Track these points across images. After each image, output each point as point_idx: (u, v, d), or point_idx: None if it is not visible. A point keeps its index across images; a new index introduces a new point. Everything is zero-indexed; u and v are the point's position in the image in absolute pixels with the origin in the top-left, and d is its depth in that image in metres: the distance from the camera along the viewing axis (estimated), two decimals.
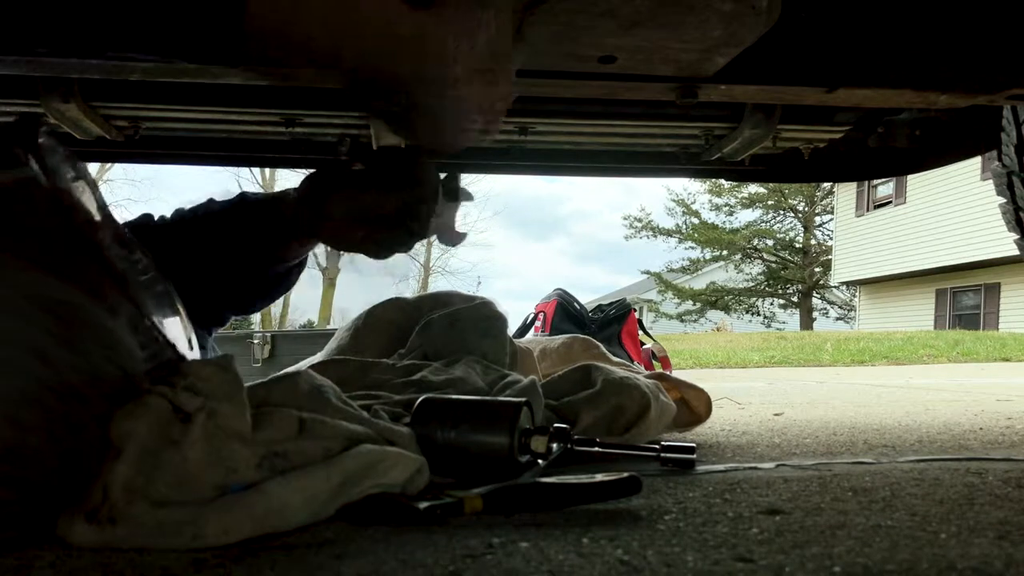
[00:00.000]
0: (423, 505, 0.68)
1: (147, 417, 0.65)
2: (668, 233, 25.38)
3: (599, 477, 0.75)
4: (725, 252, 24.93)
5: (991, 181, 1.77)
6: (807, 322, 23.78)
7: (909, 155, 1.71)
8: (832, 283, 22.59)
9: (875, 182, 17.33)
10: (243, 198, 1.25)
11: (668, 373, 1.56)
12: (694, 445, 1.00)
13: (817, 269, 24.22)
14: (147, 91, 1.41)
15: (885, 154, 1.70)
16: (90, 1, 0.87)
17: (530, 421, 0.91)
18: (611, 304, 3.24)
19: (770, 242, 25.13)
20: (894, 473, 0.97)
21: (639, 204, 54.49)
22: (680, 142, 1.67)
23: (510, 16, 0.82)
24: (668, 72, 1.06)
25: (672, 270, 26.66)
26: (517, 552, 0.60)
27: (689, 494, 0.83)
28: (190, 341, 0.89)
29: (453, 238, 1.25)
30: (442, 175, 1.20)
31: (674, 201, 25.14)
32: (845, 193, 19.50)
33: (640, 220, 25.65)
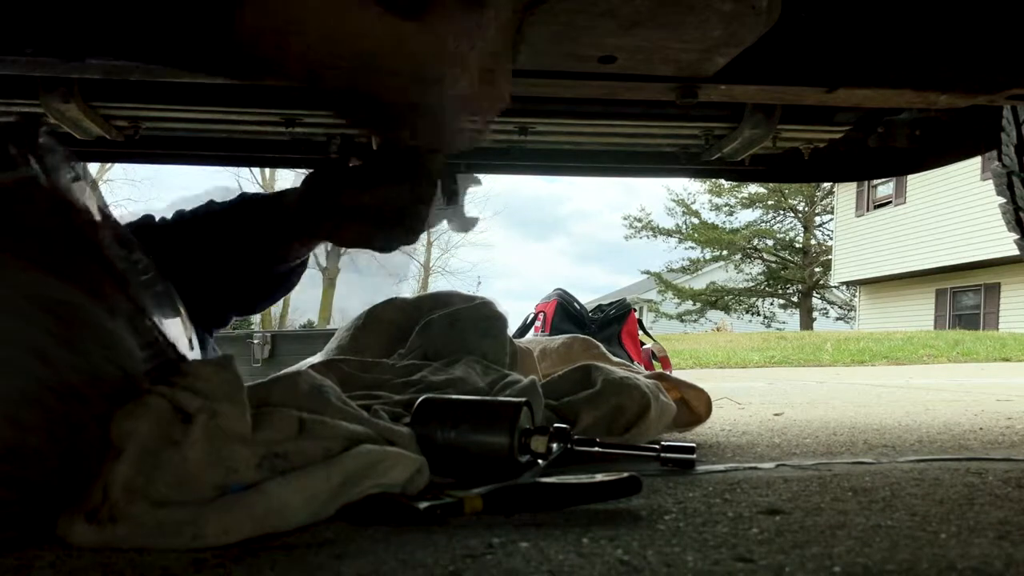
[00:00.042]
0: (423, 505, 0.68)
1: (147, 417, 0.65)
2: (668, 233, 25.40)
3: (599, 477, 0.75)
4: (725, 252, 24.95)
5: (991, 181, 1.77)
6: (807, 322, 23.79)
7: (909, 155, 1.71)
8: (832, 283, 22.61)
9: (875, 182, 17.33)
10: (244, 198, 1.25)
11: (668, 373, 1.56)
12: (694, 445, 1.00)
13: (817, 269, 24.24)
14: (147, 91, 1.41)
15: (885, 154, 1.70)
16: (82, 5, 0.87)
17: (530, 421, 0.91)
18: (611, 304, 3.24)
19: (770, 242, 25.15)
20: (894, 473, 0.97)
21: (639, 204, 54.60)
22: (680, 142, 1.67)
23: (509, 17, 0.82)
24: (668, 72, 1.06)
25: (672, 270, 26.68)
26: (517, 552, 0.60)
27: (689, 494, 0.83)
28: (190, 341, 0.89)
29: (465, 224, 1.25)
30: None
31: (674, 201, 25.18)
32: (845, 193, 19.50)
33: (640, 220, 25.69)
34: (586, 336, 1.55)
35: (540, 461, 0.87)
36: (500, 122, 1.53)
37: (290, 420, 0.73)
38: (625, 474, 0.75)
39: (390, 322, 1.38)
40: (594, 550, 0.60)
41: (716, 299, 24.94)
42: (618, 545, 0.62)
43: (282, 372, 0.95)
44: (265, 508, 0.63)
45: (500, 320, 1.32)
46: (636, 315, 3.20)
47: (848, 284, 21.11)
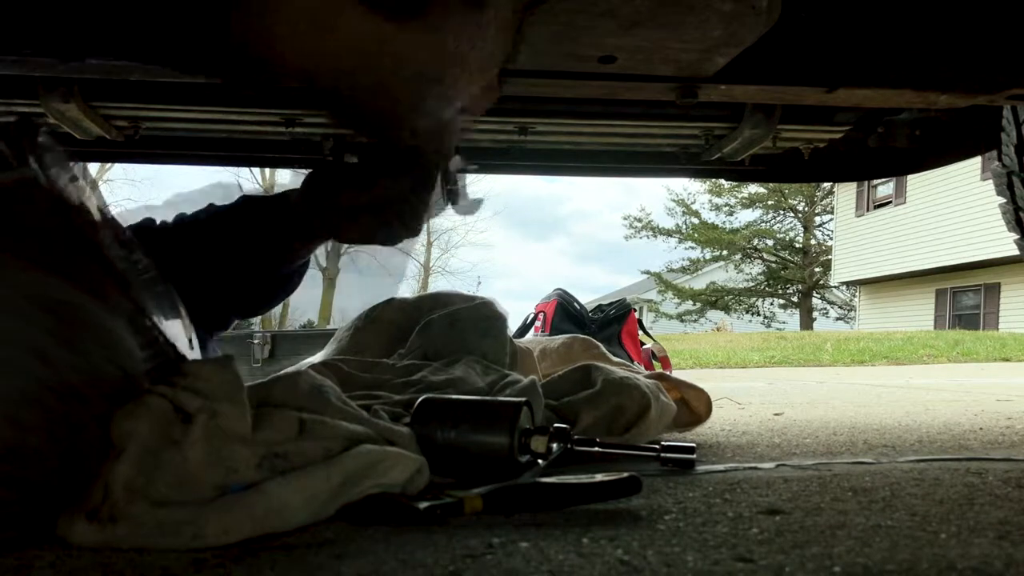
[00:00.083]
0: (423, 505, 0.68)
1: (148, 417, 0.65)
2: (668, 233, 25.39)
3: (599, 477, 0.75)
4: (725, 252, 24.94)
5: (991, 181, 1.77)
6: (807, 322, 23.78)
7: (909, 155, 1.71)
8: (832, 283, 22.60)
9: (875, 182, 17.33)
10: (244, 200, 1.25)
11: (668, 373, 1.56)
12: (694, 445, 1.00)
13: (817, 269, 24.23)
14: (147, 91, 1.41)
15: (885, 154, 1.70)
16: (82, 5, 0.87)
17: (530, 421, 0.91)
18: (611, 304, 3.24)
19: (770, 242, 25.14)
20: (894, 473, 0.97)
21: (639, 204, 54.58)
22: (680, 142, 1.67)
23: (509, 17, 0.82)
24: (668, 72, 1.06)
25: (672, 270, 26.67)
26: (517, 552, 0.60)
27: (689, 494, 0.83)
28: (190, 341, 0.89)
29: (470, 207, 1.25)
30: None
31: (674, 201, 25.17)
32: (845, 193, 19.50)
33: (640, 220, 25.68)
34: (586, 336, 1.55)
35: (540, 461, 0.87)
36: (500, 122, 1.53)
37: (290, 420, 0.73)
38: (625, 474, 0.75)
39: (390, 322, 1.38)
40: (594, 550, 0.60)
41: (716, 299, 24.94)
42: (618, 545, 0.62)
43: (282, 372, 0.95)
44: (265, 508, 0.63)
45: (500, 320, 1.32)
46: (636, 315, 3.19)
47: (848, 284, 21.11)
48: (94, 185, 0.79)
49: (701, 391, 1.28)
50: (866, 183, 17.58)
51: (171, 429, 0.65)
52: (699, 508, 0.76)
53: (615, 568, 0.56)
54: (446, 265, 25.94)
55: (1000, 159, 1.66)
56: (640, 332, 3.19)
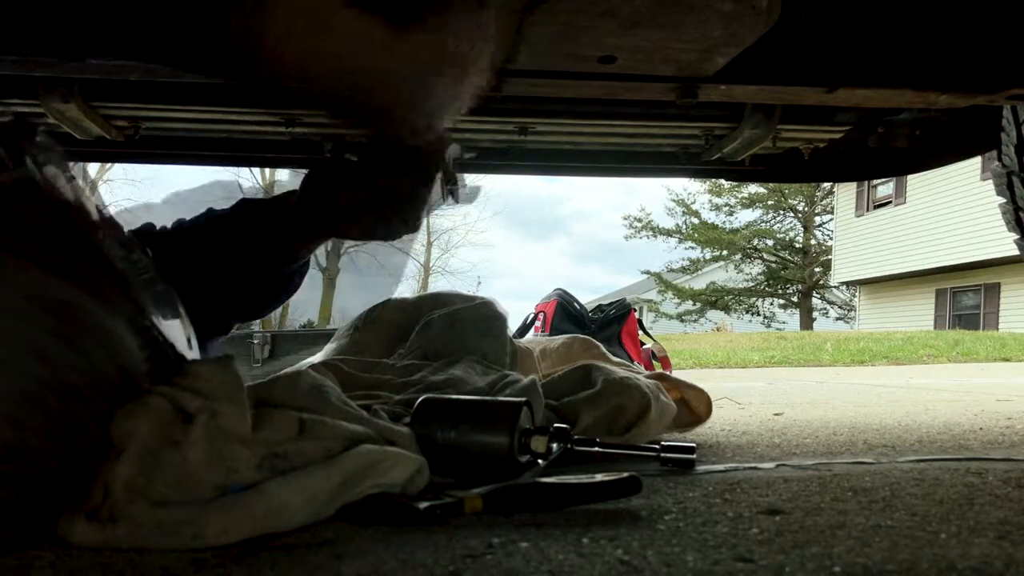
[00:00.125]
0: (423, 505, 0.68)
1: (148, 417, 0.65)
2: (668, 233, 25.38)
3: (599, 477, 0.75)
4: (725, 252, 24.94)
5: (991, 181, 1.77)
6: (807, 322, 23.78)
7: (909, 155, 1.71)
8: (832, 283, 22.59)
9: (875, 182, 17.32)
10: (243, 203, 1.25)
11: (668, 373, 1.56)
12: (694, 445, 1.00)
13: (817, 269, 24.23)
14: (147, 91, 1.41)
15: (885, 154, 1.70)
16: (82, 5, 0.87)
17: (530, 421, 0.91)
18: (611, 304, 3.24)
19: (770, 242, 25.14)
20: (894, 473, 0.97)
21: (639, 204, 54.56)
22: (680, 142, 1.67)
23: (509, 17, 0.82)
24: (668, 72, 1.06)
25: (672, 270, 26.67)
26: (517, 552, 0.60)
27: (689, 494, 0.83)
28: (190, 341, 0.89)
29: (469, 195, 1.25)
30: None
31: (674, 201, 25.16)
32: (845, 193, 19.50)
33: (640, 220, 25.67)
34: (586, 336, 1.55)
35: (540, 461, 0.87)
36: (500, 122, 1.53)
37: (290, 420, 0.73)
38: (625, 474, 0.75)
39: (390, 322, 1.38)
40: (594, 550, 0.60)
41: (716, 299, 24.93)
42: (618, 545, 0.62)
43: (282, 372, 0.95)
44: (265, 508, 0.63)
45: (500, 320, 1.32)
46: (636, 315, 3.19)
47: (848, 284, 21.11)
48: (93, 185, 0.79)
49: (701, 391, 1.28)
50: (866, 183, 17.58)
51: (171, 429, 0.65)
52: (699, 508, 0.76)
53: (615, 568, 0.56)
54: (446, 265, 25.92)
55: (1000, 159, 1.66)
56: (640, 332, 3.19)
